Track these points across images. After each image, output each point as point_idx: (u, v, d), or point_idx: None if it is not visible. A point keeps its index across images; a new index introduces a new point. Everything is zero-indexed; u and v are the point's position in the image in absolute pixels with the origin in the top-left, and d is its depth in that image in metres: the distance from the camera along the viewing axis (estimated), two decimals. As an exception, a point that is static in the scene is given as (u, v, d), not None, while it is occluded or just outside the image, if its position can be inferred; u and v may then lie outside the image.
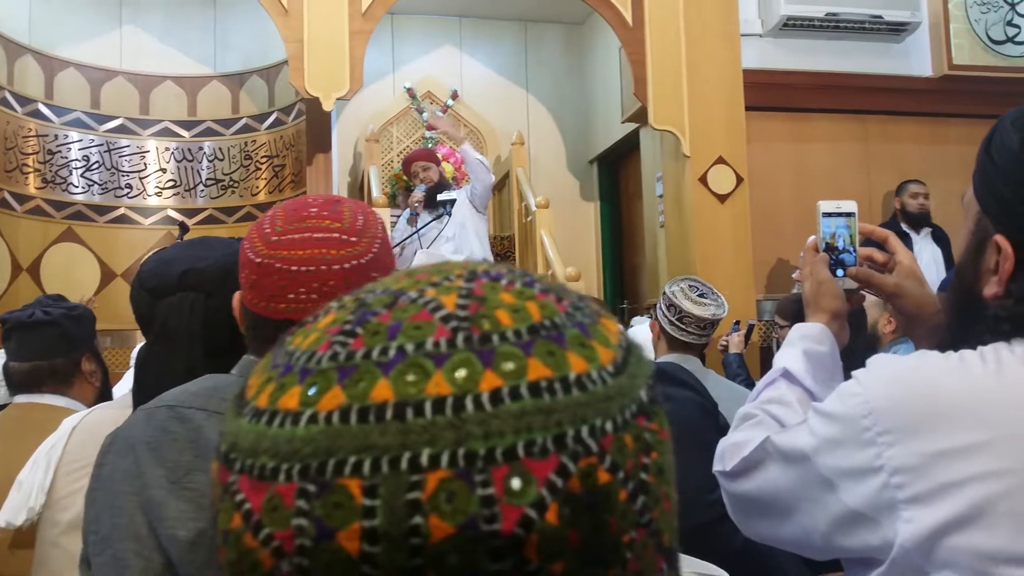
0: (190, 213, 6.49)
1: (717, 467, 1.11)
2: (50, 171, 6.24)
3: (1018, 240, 0.91)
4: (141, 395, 1.29)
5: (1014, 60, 5.97)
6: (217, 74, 6.69)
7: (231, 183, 6.63)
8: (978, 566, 0.82)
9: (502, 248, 6.52)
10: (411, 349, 0.36)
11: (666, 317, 2.58)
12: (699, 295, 2.58)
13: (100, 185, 6.41)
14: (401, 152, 6.85)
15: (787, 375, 1.19)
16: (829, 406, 0.95)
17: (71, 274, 6.11)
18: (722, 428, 1.90)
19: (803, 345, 1.21)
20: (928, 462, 0.85)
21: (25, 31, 6.19)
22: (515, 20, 7.39)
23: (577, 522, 0.34)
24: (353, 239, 1.00)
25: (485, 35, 7.37)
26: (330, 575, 0.33)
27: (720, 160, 5.34)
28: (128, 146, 6.51)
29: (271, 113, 6.60)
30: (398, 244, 5.00)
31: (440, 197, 5.08)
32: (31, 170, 6.16)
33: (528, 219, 6.07)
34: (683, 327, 2.55)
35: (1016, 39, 6.01)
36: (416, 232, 5.05)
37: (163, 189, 6.57)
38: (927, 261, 5.12)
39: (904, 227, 5.30)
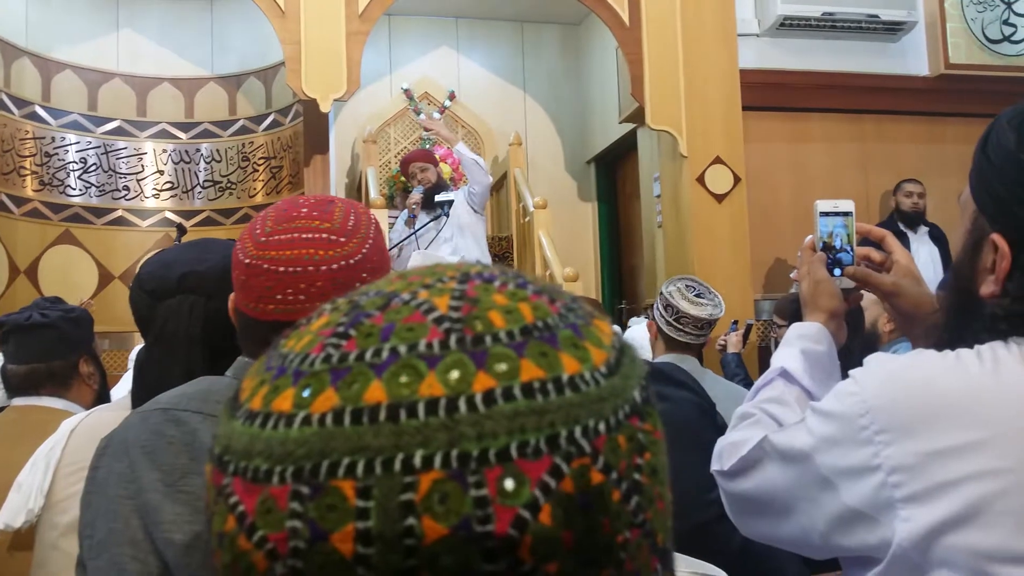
0: (188, 215, 6.49)
1: (715, 466, 1.11)
2: (47, 173, 6.23)
3: (1014, 239, 0.91)
4: (141, 397, 1.28)
5: (1010, 59, 5.98)
6: (214, 76, 6.68)
7: (228, 185, 6.63)
8: (975, 565, 0.82)
9: (500, 249, 6.52)
10: (404, 351, 0.36)
11: (663, 317, 2.58)
12: (696, 295, 2.57)
13: (97, 187, 6.41)
14: (399, 153, 6.85)
15: (785, 374, 1.19)
16: (827, 405, 0.95)
17: (69, 276, 6.11)
18: (720, 428, 1.90)
19: (801, 344, 1.21)
20: (925, 461, 0.85)
21: (22, 33, 6.19)
22: (512, 21, 7.39)
23: (571, 523, 0.34)
24: (342, 240, 0.99)
25: (482, 36, 7.37)
26: None
27: (717, 160, 5.34)
28: (125, 148, 6.51)
29: (268, 115, 6.60)
30: (396, 245, 4.99)
31: (438, 198, 5.08)
32: (28, 172, 6.15)
33: (526, 220, 6.07)
34: (680, 327, 2.55)
35: (1012, 38, 6.02)
36: (414, 233, 5.05)
37: (160, 191, 6.57)
38: (924, 260, 5.12)
39: (901, 226, 5.30)
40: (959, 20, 5.93)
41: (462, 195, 5.18)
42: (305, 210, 1.01)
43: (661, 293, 2.62)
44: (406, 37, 7.18)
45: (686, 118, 5.32)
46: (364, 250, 1.00)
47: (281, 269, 0.97)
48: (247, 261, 1.00)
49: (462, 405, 0.34)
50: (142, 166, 6.54)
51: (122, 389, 2.64)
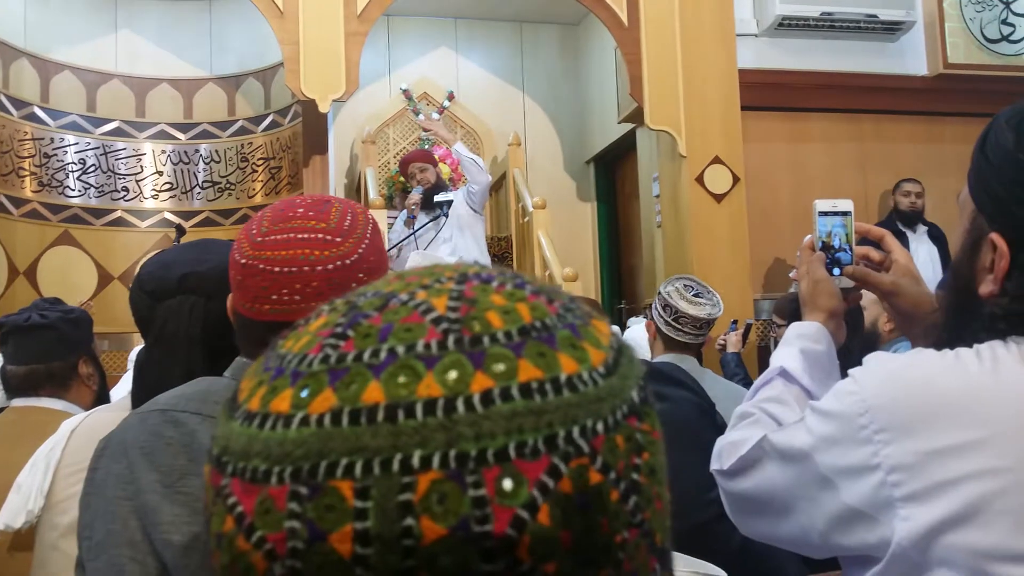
0: (187, 215, 6.49)
1: (714, 466, 1.11)
2: (46, 174, 6.23)
3: (1013, 238, 0.91)
4: (141, 398, 1.28)
5: (1009, 58, 5.98)
6: (213, 76, 6.68)
7: (228, 185, 6.63)
8: (974, 564, 0.82)
9: (499, 249, 6.52)
10: (402, 351, 0.36)
11: (662, 318, 2.57)
12: (694, 295, 2.57)
13: (96, 188, 6.41)
14: (398, 154, 6.85)
15: (784, 374, 1.19)
16: (826, 404, 0.95)
17: (68, 277, 6.11)
18: (719, 427, 1.90)
19: (800, 344, 1.21)
20: (924, 460, 0.85)
21: (20, 34, 6.18)
22: (511, 21, 7.39)
23: (569, 523, 0.34)
24: (338, 240, 0.99)
25: (481, 36, 7.37)
26: None
27: (716, 160, 5.35)
28: (124, 149, 6.51)
29: (267, 115, 6.60)
30: (395, 246, 4.99)
31: (437, 198, 5.07)
32: (27, 173, 6.15)
33: (525, 220, 6.07)
34: (679, 327, 2.54)
35: (1011, 38, 6.02)
36: (413, 234, 5.05)
37: (159, 192, 6.57)
38: (923, 259, 5.12)
39: (899, 226, 5.31)
40: (958, 20, 5.93)
41: (461, 195, 5.17)
42: (301, 210, 1.00)
43: (659, 293, 2.62)
44: (405, 37, 7.18)
45: (685, 118, 5.32)
46: (360, 250, 1.00)
47: (276, 269, 0.97)
48: (243, 261, 0.99)
49: (460, 405, 0.34)
50: (141, 167, 6.53)
51: (121, 390, 2.64)
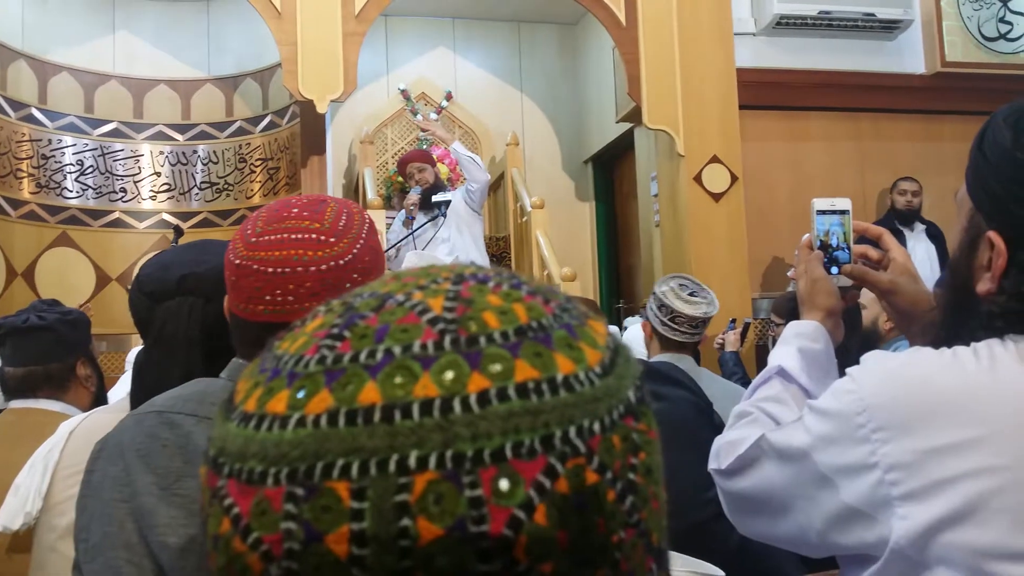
0: (185, 216, 6.48)
1: (712, 465, 1.11)
2: (44, 176, 6.23)
3: (1010, 236, 0.91)
4: (139, 399, 1.28)
5: (1007, 57, 5.99)
6: (211, 77, 6.68)
7: (226, 186, 6.63)
8: (972, 562, 0.82)
9: (498, 249, 6.52)
10: (398, 352, 0.36)
11: (657, 318, 2.56)
12: (690, 294, 2.56)
13: (94, 189, 6.40)
14: (396, 154, 6.85)
15: (782, 373, 1.19)
16: (824, 403, 0.95)
17: (66, 279, 6.10)
18: (717, 427, 1.90)
19: (798, 343, 1.21)
20: (922, 459, 0.85)
21: (18, 36, 6.18)
22: (508, 21, 7.39)
23: (566, 523, 0.34)
24: (332, 240, 0.98)
25: (479, 36, 7.37)
26: None
27: (715, 159, 5.35)
28: (122, 150, 6.50)
29: (265, 116, 6.60)
30: (393, 246, 4.99)
31: (435, 198, 5.07)
32: (25, 175, 6.15)
33: (523, 220, 6.07)
34: (675, 327, 2.53)
35: (1008, 36, 6.03)
36: (411, 234, 5.05)
37: (157, 193, 6.56)
38: (921, 258, 5.13)
39: (897, 224, 5.31)
40: (955, 18, 5.94)
41: (460, 194, 5.17)
42: (296, 210, 1.00)
43: (654, 293, 2.61)
44: (403, 38, 7.18)
45: (683, 117, 5.33)
46: (355, 250, 0.99)
47: (270, 270, 0.96)
48: (237, 262, 0.99)
49: (457, 406, 0.34)
50: (139, 168, 6.53)
51: (120, 391, 2.64)
